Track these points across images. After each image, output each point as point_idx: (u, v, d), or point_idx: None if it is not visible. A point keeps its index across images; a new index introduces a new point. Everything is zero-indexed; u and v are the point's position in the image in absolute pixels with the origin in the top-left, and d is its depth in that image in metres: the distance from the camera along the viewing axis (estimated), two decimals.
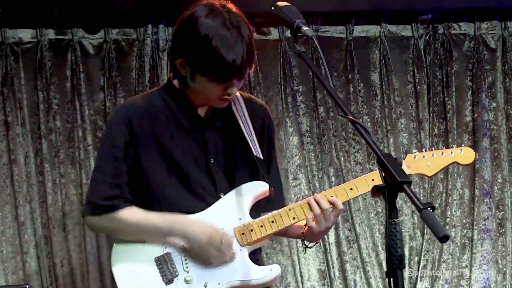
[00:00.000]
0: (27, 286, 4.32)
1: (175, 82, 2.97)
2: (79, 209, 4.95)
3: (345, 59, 5.34)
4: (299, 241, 5.13)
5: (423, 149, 3.17)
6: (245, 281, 2.89)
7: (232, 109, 3.00)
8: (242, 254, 2.90)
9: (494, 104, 5.43)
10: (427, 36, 5.42)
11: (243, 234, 2.91)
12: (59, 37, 5.07)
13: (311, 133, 5.27)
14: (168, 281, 2.88)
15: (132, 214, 2.92)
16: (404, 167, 3.03)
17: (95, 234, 4.90)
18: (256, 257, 2.99)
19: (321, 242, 5.18)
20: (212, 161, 2.95)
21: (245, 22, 2.83)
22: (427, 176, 3.14)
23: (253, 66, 2.91)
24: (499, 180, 5.40)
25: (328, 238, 5.18)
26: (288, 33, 5.16)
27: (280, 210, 2.93)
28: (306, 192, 5.18)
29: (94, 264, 4.91)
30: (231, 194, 2.95)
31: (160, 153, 2.92)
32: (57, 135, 4.98)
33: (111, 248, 2.97)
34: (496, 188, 5.40)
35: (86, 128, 5.01)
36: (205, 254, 2.87)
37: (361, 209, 5.24)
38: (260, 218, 2.93)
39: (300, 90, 5.29)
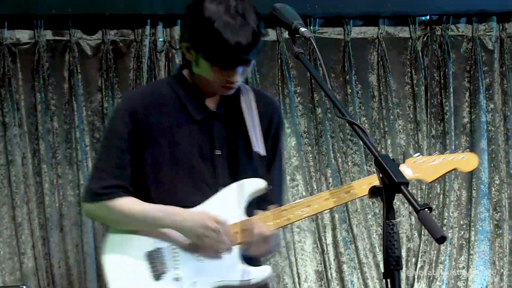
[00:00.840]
0: (24, 287, 4.33)
1: (185, 72, 2.93)
2: (76, 210, 4.95)
3: (343, 61, 5.34)
4: (297, 242, 5.22)
5: (424, 153, 3.10)
6: (235, 281, 2.82)
7: (240, 102, 2.94)
8: (232, 253, 2.83)
9: (492, 106, 5.43)
10: (425, 38, 5.43)
11: (235, 232, 2.84)
12: (57, 38, 5.06)
13: (308, 134, 5.27)
14: (157, 277, 2.81)
15: (128, 203, 2.85)
16: (402, 171, 3.02)
17: (93, 235, 4.91)
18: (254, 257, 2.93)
19: (318, 243, 5.19)
20: (219, 153, 2.89)
21: (252, 10, 2.76)
22: (426, 181, 3.09)
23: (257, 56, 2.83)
24: (497, 182, 5.40)
25: (326, 239, 5.18)
26: (286, 35, 5.15)
27: (273, 209, 2.86)
28: (304, 193, 5.17)
29: (91, 265, 4.90)
30: (228, 189, 2.87)
31: (165, 143, 2.86)
32: (54, 136, 4.98)
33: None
34: (493, 189, 5.40)
35: (84, 129, 5.00)
36: (202, 236, 2.79)
37: (359, 210, 5.23)
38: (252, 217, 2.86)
39: (298, 91, 5.29)
